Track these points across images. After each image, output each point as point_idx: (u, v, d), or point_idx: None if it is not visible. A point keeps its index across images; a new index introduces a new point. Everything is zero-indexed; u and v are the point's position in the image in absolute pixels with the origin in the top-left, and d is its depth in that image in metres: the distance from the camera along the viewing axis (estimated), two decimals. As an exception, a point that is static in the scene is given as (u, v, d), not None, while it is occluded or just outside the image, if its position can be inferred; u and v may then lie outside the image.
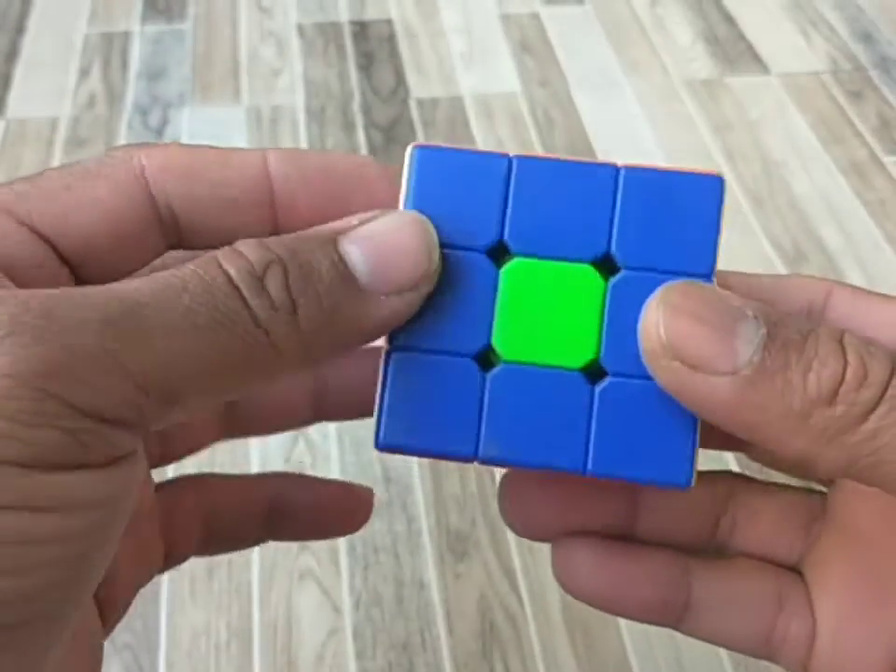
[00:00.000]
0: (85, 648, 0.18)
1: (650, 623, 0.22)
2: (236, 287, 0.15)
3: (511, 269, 0.18)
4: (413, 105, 0.71)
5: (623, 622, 0.42)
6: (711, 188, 0.18)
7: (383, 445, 0.19)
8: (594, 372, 0.18)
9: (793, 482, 0.22)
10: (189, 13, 0.80)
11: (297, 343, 0.16)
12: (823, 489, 0.22)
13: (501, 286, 0.18)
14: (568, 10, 0.80)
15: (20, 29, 0.78)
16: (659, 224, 0.18)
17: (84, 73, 0.74)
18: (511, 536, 0.46)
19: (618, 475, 0.18)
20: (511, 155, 0.19)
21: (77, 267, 0.18)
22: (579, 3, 0.81)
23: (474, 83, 0.73)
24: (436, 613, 0.43)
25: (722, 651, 0.41)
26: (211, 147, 0.19)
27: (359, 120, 0.70)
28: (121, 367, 0.13)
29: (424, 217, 0.18)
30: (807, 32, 0.78)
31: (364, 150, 0.67)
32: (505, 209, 0.19)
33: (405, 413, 0.18)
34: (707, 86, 0.73)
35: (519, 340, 0.18)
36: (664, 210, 0.18)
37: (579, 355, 0.18)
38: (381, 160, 0.19)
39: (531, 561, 0.44)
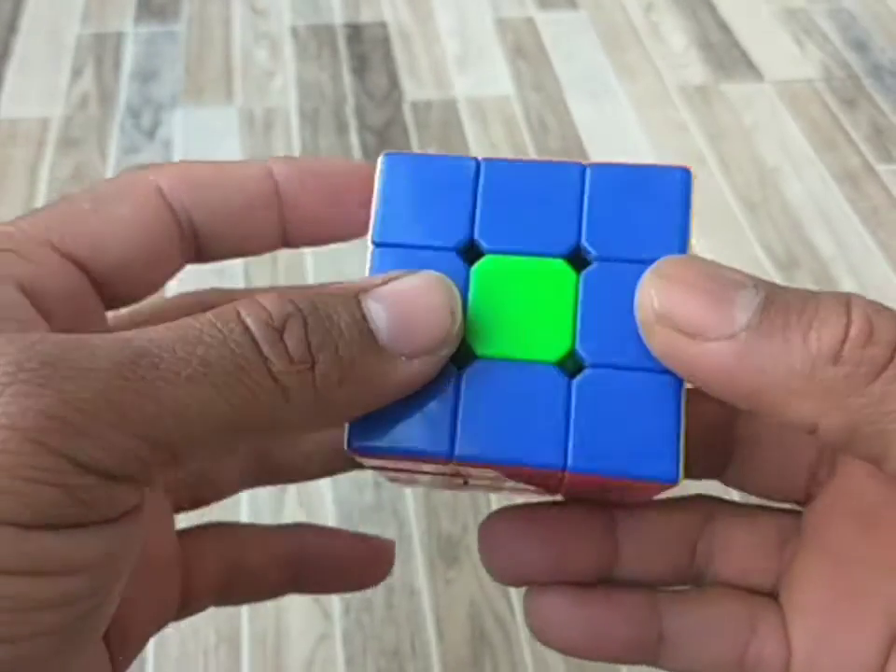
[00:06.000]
0: None
1: (627, 663, 0.21)
2: (253, 339, 0.14)
3: (482, 266, 0.18)
4: (406, 108, 0.71)
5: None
6: (679, 178, 0.18)
7: (354, 447, 0.18)
8: (570, 367, 0.18)
9: (769, 503, 0.22)
10: (183, 14, 0.80)
11: (311, 400, 0.15)
12: (800, 509, 0.21)
13: (473, 283, 0.18)
14: (563, 15, 0.80)
15: (12, 29, 0.78)
16: (628, 215, 0.18)
17: (76, 73, 0.74)
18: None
19: (600, 471, 0.17)
20: (479, 158, 0.19)
21: (109, 291, 0.18)
22: (573, 8, 0.81)
23: (468, 86, 0.73)
24: (426, 619, 0.43)
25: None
26: (213, 162, 0.20)
27: (353, 123, 0.70)
28: (125, 419, 0.13)
29: (448, 280, 0.17)
30: (801, 40, 0.78)
31: (357, 153, 0.67)
32: (474, 209, 0.19)
33: (376, 412, 0.18)
34: (700, 92, 0.73)
35: (493, 336, 0.18)
36: (632, 202, 0.18)
37: (554, 348, 0.18)
38: (373, 164, 0.19)
39: (522, 567, 0.44)
